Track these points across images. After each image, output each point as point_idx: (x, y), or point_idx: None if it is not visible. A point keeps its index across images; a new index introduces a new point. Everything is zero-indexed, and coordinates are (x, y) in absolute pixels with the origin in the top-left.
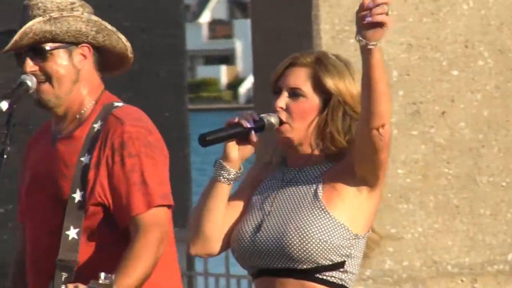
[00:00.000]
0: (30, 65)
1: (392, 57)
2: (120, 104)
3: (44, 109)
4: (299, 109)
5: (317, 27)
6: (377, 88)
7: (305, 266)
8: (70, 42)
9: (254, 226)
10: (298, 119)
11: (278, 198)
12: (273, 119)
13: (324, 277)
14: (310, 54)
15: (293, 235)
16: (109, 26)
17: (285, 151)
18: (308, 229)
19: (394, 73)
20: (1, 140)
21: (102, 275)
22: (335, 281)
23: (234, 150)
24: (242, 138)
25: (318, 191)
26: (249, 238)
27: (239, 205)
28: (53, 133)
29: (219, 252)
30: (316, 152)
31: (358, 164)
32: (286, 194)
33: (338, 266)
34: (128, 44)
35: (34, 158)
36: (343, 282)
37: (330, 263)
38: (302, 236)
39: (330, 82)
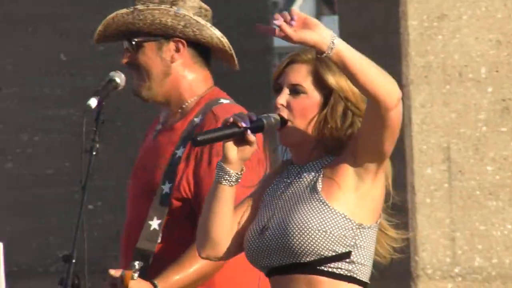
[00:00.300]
0: (124, 56)
1: (481, 54)
2: (226, 101)
3: (141, 100)
4: (300, 106)
5: (404, 23)
6: (366, 78)
7: (308, 259)
8: (158, 35)
9: (260, 227)
10: (299, 116)
11: (282, 197)
12: (273, 119)
13: (330, 269)
14: (311, 51)
15: (293, 229)
16: (201, 21)
17: (289, 150)
18: (307, 221)
19: (483, 70)
20: (90, 137)
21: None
22: (342, 272)
23: (232, 151)
24: (239, 138)
25: (317, 184)
26: (256, 239)
27: (249, 209)
28: (157, 128)
29: (231, 255)
30: (318, 148)
31: (367, 149)
32: (289, 192)
33: (343, 256)
34: (224, 40)
35: (141, 152)
36: (351, 274)
37: (334, 254)
38: (301, 229)
39: (331, 78)
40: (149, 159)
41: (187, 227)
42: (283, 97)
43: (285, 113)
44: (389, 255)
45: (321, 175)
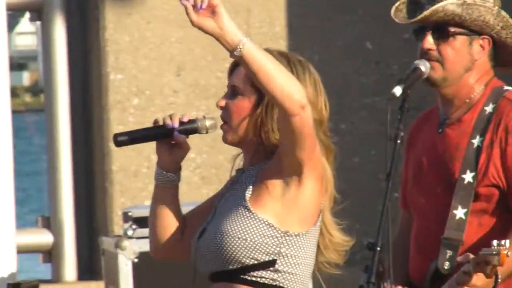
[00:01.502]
0: (429, 42)
1: None
2: (510, 88)
3: (431, 87)
4: (236, 107)
5: None
6: (269, 81)
7: (231, 267)
8: (474, 31)
9: (199, 233)
10: (236, 117)
11: (220, 202)
12: (208, 121)
13: (254, 278)
14: None
15: (217, 236)
16: None
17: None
18: (227, 228)
19: None
20: (394, 125)
21: (495, 242)
22: (266, 281)
23: (164, 153)
24: (168, 140)
25: (247, 191)
26: (195, 245)
27: (198, 212)
28: (440, 119)
29: (183, 255)
30: (258, 151)
31: (284, 155)
32: (226, 197)
33: (267, 265)
34: None
35: (421, 145)
36: (277, 283)
37: (256, 262)
38: (222, 236)
39: None
40: (441, 151)
41: (497, 214)
42: (223, 100)
43: (224, 115)
44: (342, 259)
45: (254, 181)
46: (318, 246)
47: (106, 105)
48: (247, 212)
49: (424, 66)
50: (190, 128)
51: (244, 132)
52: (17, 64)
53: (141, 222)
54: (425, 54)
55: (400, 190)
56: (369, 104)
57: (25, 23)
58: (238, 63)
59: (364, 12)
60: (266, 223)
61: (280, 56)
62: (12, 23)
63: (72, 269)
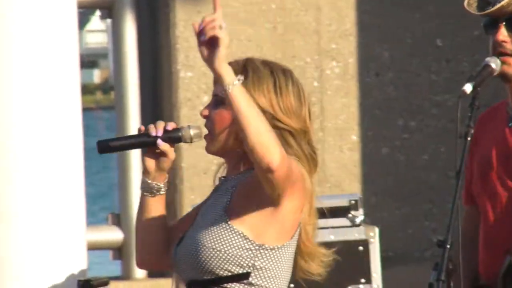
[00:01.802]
0: (504, 34)
1: None
2: None
3: (504, 82)
4: (218, 117)
5: None
6: (249, 129)
7: (205, 277)
8: None
9: (178, 240)
10: (218, 127)
11: (202, 210)
12: (192, 130)
13: None
14: (239, 61)
15: (193, 245)
16: None
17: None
18: (202, 238)
19: None
20: (465, 122)
21: None
22: None
23: (149, 161)
24: (149, 147)
25: (226, 201)
26: (173, 252)
27: (185, 222)
28: (510, 113)
29: (167, 265)
30: (240, 161)
31: (262, 187)
32: (207, 206)
33: (241, 277)
34: None
35: (489, 141)
36: None
37: (230, 274)
38: (196, 245)
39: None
40: (510, 146)
41: None
42: (206, 109)
43: (207, 125)
44: (322, 271)
45: (234, 191)
46: (301, 256)
47: (176, 102)
48: (223, 223)
49: (495, 63)
50: (174, 136)
51: (225, 142)
52: (88, 62)
53: None
54: (499, 47)
55: (464, 186)
56: (439, 102)
57: (96, 21)
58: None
59: (435, 10)
60: (241, 235)
61: (263, 65)
62: (83, 21)
63: None
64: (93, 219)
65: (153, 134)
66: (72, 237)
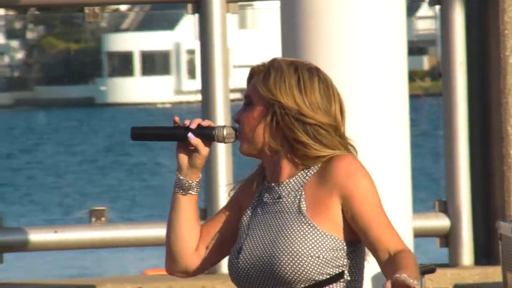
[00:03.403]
0: None
1: None
2: None
3: None
4: (247, 117)
5: None
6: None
7: (300, 285)
8: None
9: (237, 251)
10: (247, 127)
11: (259, 218)
12: (226, 130)
13: None
14: (263, 63)
15: (283, 255)
16: None
17: (265, 167)
18: (298, 247)
19: None
20: None
21: None
22: None
23: (182, 157)
24: (184, 141)
25: (301, 205)
26: (235, 265)
27: (216, 223)
28: None
29: (199, 270)
30: (288, 160)
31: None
32: (268, 213)
33: (337, 278)
34: None
35: None
36: None
37: (328, 277)
38: (293, 256)
39: (263, 89)
40: None
41: None
42: (238, 111)
43: (239, 126)
44: None
45: (303, 194)
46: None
47: (504, 89)
48: (310, 228)
49: None
50: (206, 133)
51: (262, 143)
52: (417, 48)
53: None
54: None
55: None
56: None
57: (425, 8)
58: (252, 74)
59: None
60: (331, 237)
61: (287, 65)
62: (413, 7)
63: (468, 254)
64: (420, 206)
65: (186, 125)
66: (399, 224)
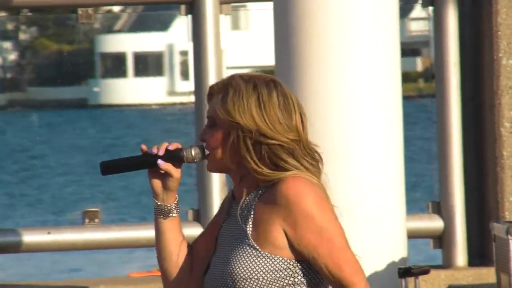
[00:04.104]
0: None
1: None
2: None
3: None
4: (212, 138)
5: None
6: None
7: None
8: None
9: (204, 269)
10: (213, 147)
11: (221, 236)
12: (194, 150)
13: None
14: (222, 81)
15: (227, 277)
16: None
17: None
18: (238, 269)
19: None
20: None
21: None
22: None
23: (155, 183)
24: (150, 167)
25: (248, 226)
26: (204, 281)
27: (205, 242)
28: None
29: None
30: (247, 179)
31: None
32: (226, 231)
33: None
34: None
35: None
36: None
37: None
38: (234, 278)
39: (222, 112)
40: None
41: None
42: (203, 131)
43: (206, 146)
44: None
45: (251, 215)
46: None
47: (498, 90)
48: (253, 251)
49: None
50: (176, 156)
51: (224, 161)
52: (411, 50)
53: None
54: None
55: None
56: None
57: (418, 9)
58: (213, 93)
59: None
60: (275, 258)
61: (245, 82)
62: (406, 8)
63: (462, 255)
64: (412, 207)
65: (154, 153)
66: (392, 225)
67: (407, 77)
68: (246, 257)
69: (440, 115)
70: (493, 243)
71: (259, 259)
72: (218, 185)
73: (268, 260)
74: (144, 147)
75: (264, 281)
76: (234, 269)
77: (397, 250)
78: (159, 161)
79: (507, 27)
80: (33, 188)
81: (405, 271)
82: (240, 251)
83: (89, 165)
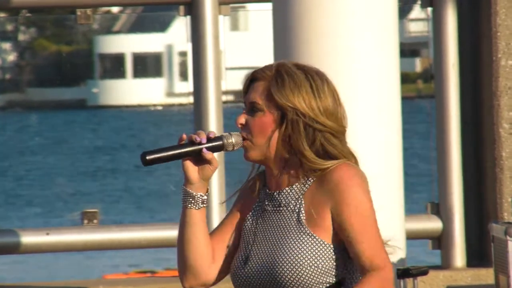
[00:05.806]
0: None
1: None
2: None
3: None
4: (257, 124)
5: None
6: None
7: None
8: None
9: (242, 259)
10: (257, 134)
11: (262, 227)
12: (234, 138)
13: None
14: (270, 67)
15: (284, 265)
16: None
17: (266, 174)
18: (297, 257)
19: None
20: None
21: None
22: None
23: (192, 171)
24: (196, 156)
25: (301, 215)
26: (240, 272)
27: (226, 232)
28: None
29: (217, 280)
30: (291, 169)
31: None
32: (270, 221)
33: (338, 285)
34: None
35: None
36: None
37: (327, 285)
38: (293, 266)
39: (279, 96)
40: None
41: None
42: (242, 116)
43: (244, 132)
44: None
45: (302, 203)
46: None
47: (497, 91)
48: (309, 239)
49: None
50: (216, 145)
51: (272, 150)
52: (410, 50)
53: None
54: None
55: None
56: None
57: (417, 10)
58: (254, 79)
59: None
60: (330, 246)
61: (296, 69)
62: (405, 9)
63: (461, 256)
64: (411, 207)
65: (198, 140)
66: (391, 226)
67: (406, 78)
68: (305, 245)
69: (439, 116)
70: (491, 244)
71: (317, 246)
72: (218, 185)
73: (325, 248)
74: (184, 136)
75: (324, 268)
76: (295, 257)
77: (395, 251)
78: (205, 150)
79: (506, 28)
80: (32, 189)
81: (404, 271)
82: (297, 240)
83: (88, 165)
